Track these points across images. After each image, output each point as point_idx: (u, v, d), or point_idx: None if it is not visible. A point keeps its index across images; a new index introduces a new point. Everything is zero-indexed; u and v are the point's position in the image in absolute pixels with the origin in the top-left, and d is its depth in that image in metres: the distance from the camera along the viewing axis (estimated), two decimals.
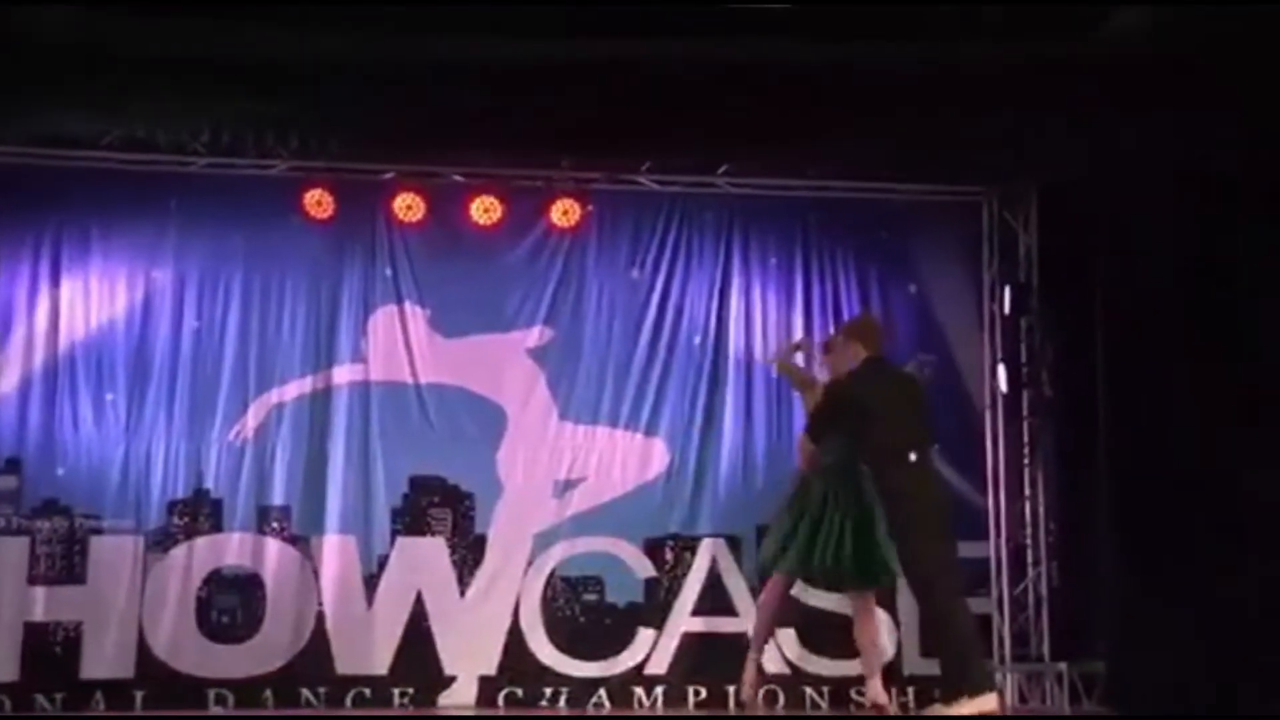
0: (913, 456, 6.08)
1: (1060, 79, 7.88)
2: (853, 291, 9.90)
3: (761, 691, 9.21)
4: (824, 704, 9.23)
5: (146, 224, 9.19)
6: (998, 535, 9.57)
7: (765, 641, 7.47)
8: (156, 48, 8.16)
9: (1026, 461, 9.65)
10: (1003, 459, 9.63)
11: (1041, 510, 9.58)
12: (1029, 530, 9.58)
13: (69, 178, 9.06)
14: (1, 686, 8.55)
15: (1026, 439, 9.68)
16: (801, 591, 9.30)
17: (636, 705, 9.15)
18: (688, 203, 9.83)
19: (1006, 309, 9.64)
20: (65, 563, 8.90)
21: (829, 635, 9.20)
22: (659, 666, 9.29)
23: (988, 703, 5.89)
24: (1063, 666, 8.96)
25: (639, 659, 9.30)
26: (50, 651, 8.75)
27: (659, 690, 9.25)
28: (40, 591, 8.80)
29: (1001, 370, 9.58)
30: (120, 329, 9.14)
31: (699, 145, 9.19)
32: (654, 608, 9.39)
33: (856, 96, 8.60)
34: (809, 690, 9.32)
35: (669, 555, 9.50)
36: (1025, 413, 9.70)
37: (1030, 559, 9.57)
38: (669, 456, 9.55)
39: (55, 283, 9.12)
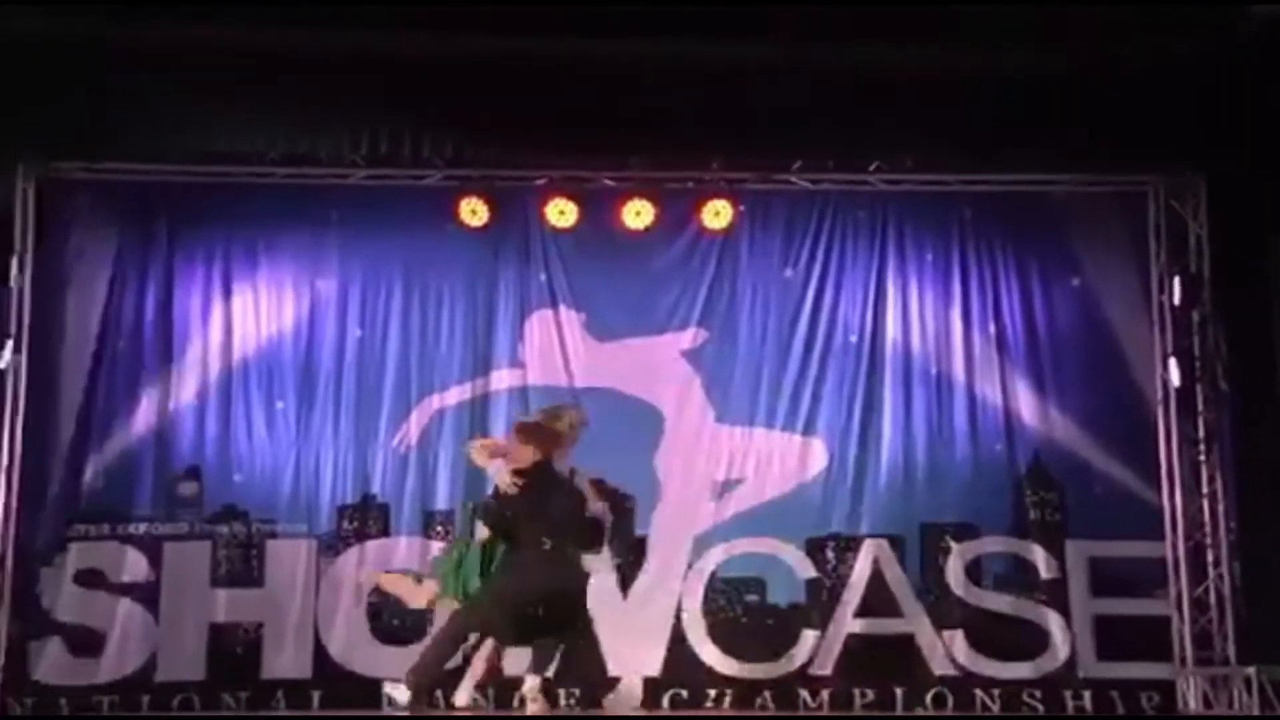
0: (546, 545, 6.40)
1: (1222, 68, 7.45)
2: (1013, 286, 9.43)
3: (931, 694, 8.76)
4: (995, 706, 8.75)
5: (309, 235, 9.22)
6: (1174, 534, 8.94)
7: None
8: (316, 62, 8.17)
9: (1203, 458, 9.00)
10: (1176, 455, 9.01)
11: (1221, 508, 8.92)
12: (1208, 529, 8.94)
13: (236, 194, 9.11)
14: (191, 685, 8.61)
15: (1202, 434, 9.04)
16: (966, 592, 8.91)
17: (801, 707, 8.83)
18: (840, 200, 9.48)
19: (1176, 301, 9.03)
20: (244, 566, 8.93)
21: (998, 637, 8.84)
22: (823, 668, 8.94)
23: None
24: (1251, 670, 8.31)
25: (803, 660, 8.96)
26: (233, 652, 8.80)
27: (824, 692, 8.89)
28: (222, 594, 8.87)
29: (1173, 364, 8.97)
30: (288, 339, 9.18)
31: (853, 143, 8.86)
32: (816, 608, 9.06)
33: (1017, 93, 8.29)
34: (979, 693, 8.78)
35: (830, 555, 9.14)
36: (1200, 408, 9.05)
37: (1210, 559, 8.93)
38: (828, 456, 9.21)
39: (227, 295, 9.19)
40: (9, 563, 8.64)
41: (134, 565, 8.79)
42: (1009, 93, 8.46)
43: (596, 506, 6.63)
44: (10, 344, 8.72)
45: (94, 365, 8.95)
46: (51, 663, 8.57)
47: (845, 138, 8.77)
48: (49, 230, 8.99)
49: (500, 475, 6.43)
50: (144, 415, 8.96)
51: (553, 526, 6.42)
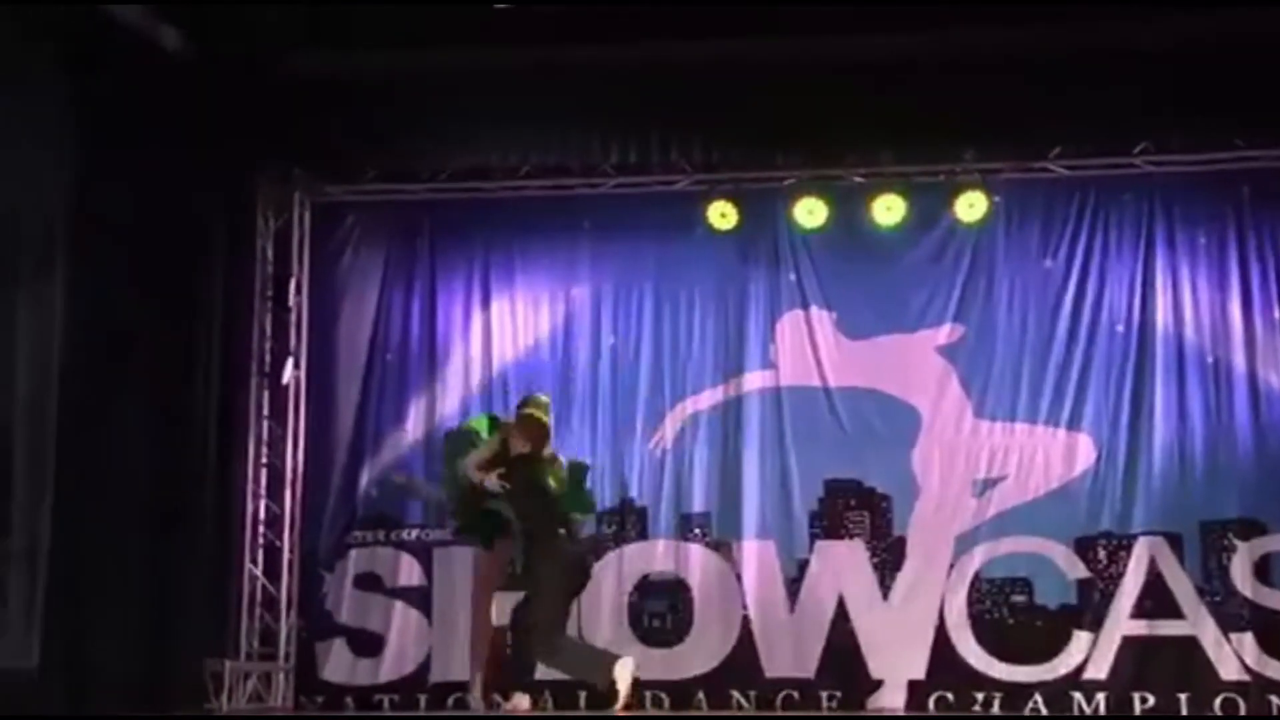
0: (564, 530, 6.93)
1: None
2: None
3: (1219, 699, 8.06)
4: None
5: (563, 245, 9.20)
6: None
7: None
8: (565, 75, 8.18)
9: None
10: None
11: None
12: None
13: (492, 207, 9.21)
14: (463, 685, 8.50)
15: None
16: (1255, 592, 8.18)
17: (1076, 711, 8.30)
18: (1103, 186, 8.86)
19: None
20: (511, 569, 8.86)
21: None
22: (1098, 671, 8.37)
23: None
24: None
25: (1075, 663, 8.42)
26: (502, 653, 8.71)
27: (1099, 696, 8.32)
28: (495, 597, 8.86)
29: None
30: (545, 346, 9.19)
31: (1114, 125, 8.29)
32: (1089, 609, 8.48)
33: None
34: (1275, 699, 8.07)
35: (1102, 554, 8.55)
36: None
37: None
38: (1095, 451, 8.61)
39: (486, 306, 9.28)
40: (295, 568, 8.93)
41: (408, 570, 8.95)
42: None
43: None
44: (291, 361, 9.04)
45: (366, 379, 9.19)
46: (337, 663, 8.82)
47: (1106, 119, 8.24)
48: (322, 252, 9.28)
49: (491, 480, 6.87)
50: (413, 425, 9.13)
51: (555, 512, 6.89)
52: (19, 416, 6.88)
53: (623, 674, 6.58)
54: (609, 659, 6.79)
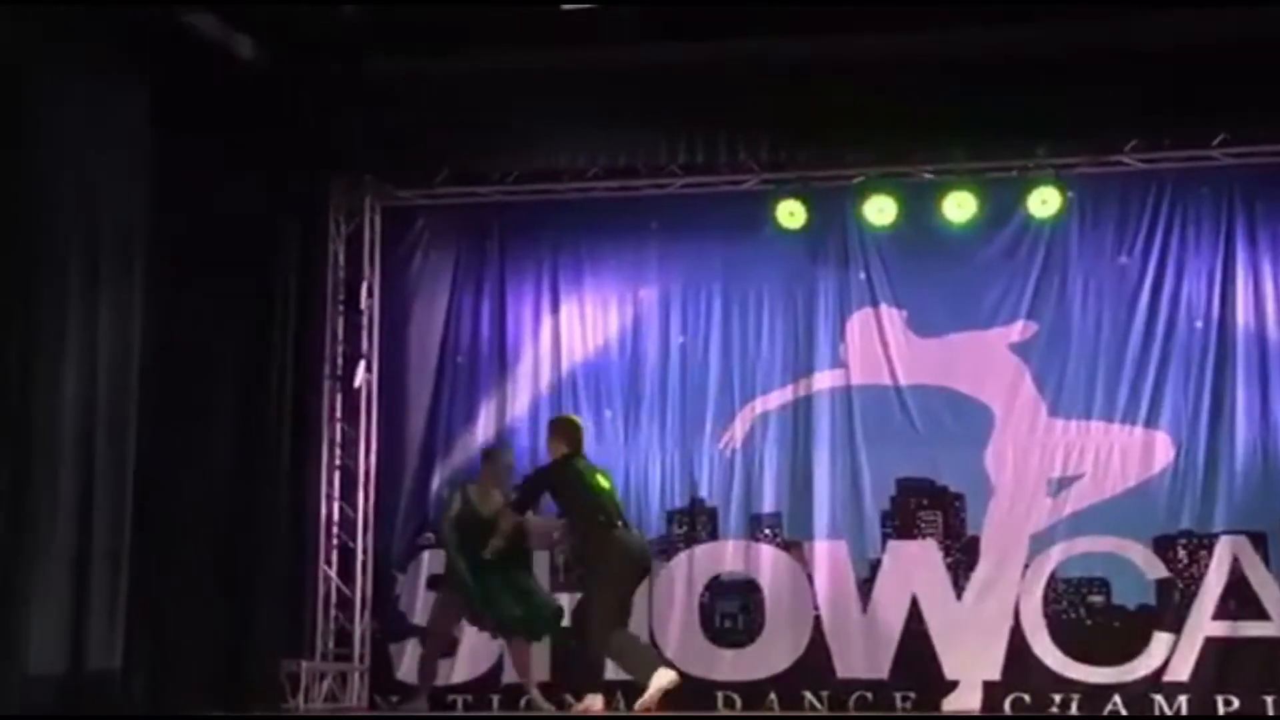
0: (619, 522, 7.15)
1: None
2: None
3: None
4: None
5: (630, 246, 9.21)
6: None
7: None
8: (632, 76, 8.18)
9: None
10: None
11: None
12: None
13: (561, 209, 9.24)
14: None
15: None
16: None
17: (1157, 712, 8.16)
18: (1180, 179, 8.70)
19: None
20: (582, 570, 8.89)
21: None
22: (1180, 673, 8.22)
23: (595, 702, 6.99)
24: None
25: (1156, 665, 8.27)
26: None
27: (1181, 699, 8.17)
28: (563, 598, 8.69)
29: None
30: (614, 348, 9.20)
31: (1192, 116, 8.15)
32: (1169, 610, 8.33)
33: None
34: None
35: (1182, 554, 8.40)
36: None
37: None
38: (1174, 449, 8.46)
39: (555, 309, 9.30)
40: (369, 569, 9.00)
41: None
42: None
43: None
44: (363, 364, 9.11)
45: (437, 381, 9.25)
46: (411, 663, 8.85)
47: (1183, 111, 8.04)
48: (393, 255, 9.34)
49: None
50: (483, 427, 9.18)
51: (607, 507, 7.11)
52: (100, 420, 6.99)
53: (657, 681, 6.66)
54: (656, 663, 6.89)
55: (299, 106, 8.16)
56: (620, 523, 7.10)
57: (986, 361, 8.70)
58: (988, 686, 8.34)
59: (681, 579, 8.80)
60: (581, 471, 7.17)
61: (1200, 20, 7.56)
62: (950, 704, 8.36)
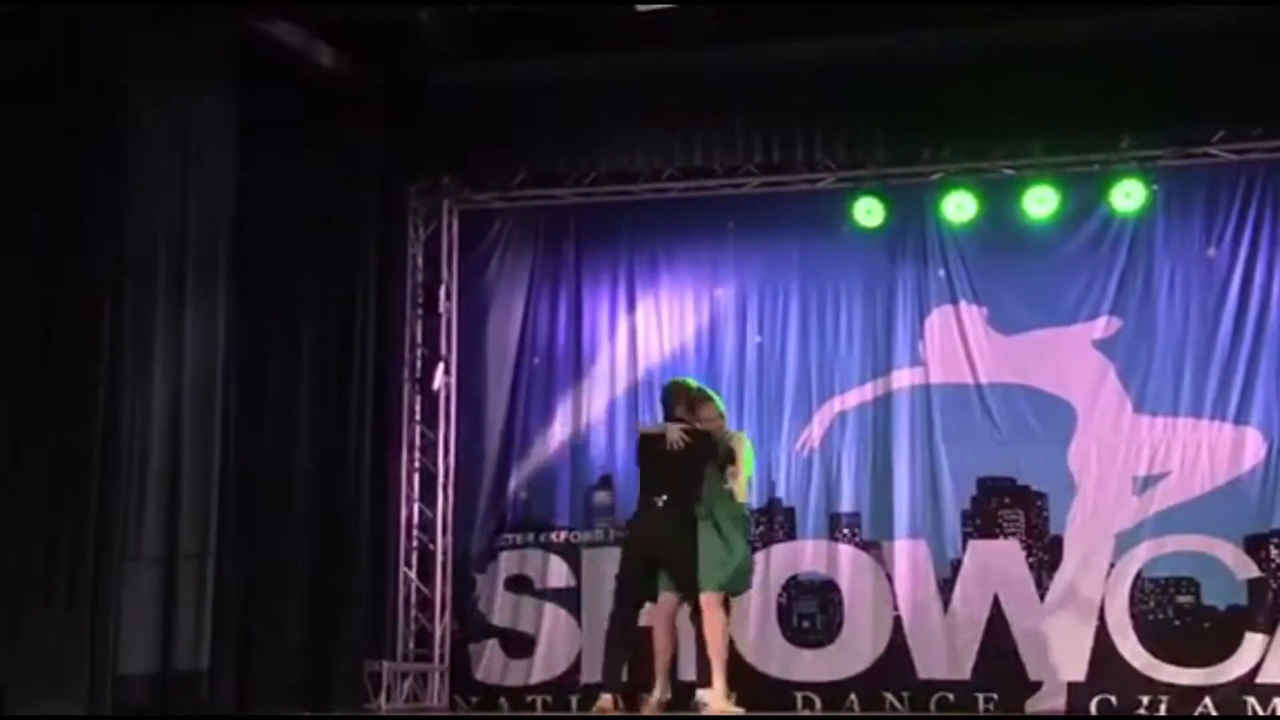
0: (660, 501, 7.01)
1: None
2: None
3: None
4: None
5: (707, 246, 9.20)
6: None
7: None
8: (705, 76, 8.20)
9: None
10: None
11: None
12: None
13: (637, 210, 9.26)
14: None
15: None
16: None
17: (1250, 713, 8.00)
18: (1270, 170, 8.53)
19: None
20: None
21: None
22: (1274, 675, 8.05)
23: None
24: None
25: (1248, 667, 8.11)
26: (651, 655, 8.72)
27: (1277, 701, 7.99)
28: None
29: None
30: (690, 348, 9.19)
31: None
32: (1261, 611, 8.17)
33: None
34: None
35: (1275, 554, 8.23)
36: None
37: None
38: (1265, 446, 8.29)
39: (631, 309, 9.33)
40: (449, 570, 9.09)
41: (556, 572, 9.06)
42: None
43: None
44: (442, 366, 9.19)
45: (514, 383, 9.32)
46: (489, 663, 8.97)
47: (1272, 99, 7.87)
48: (470, 258, 9.42)
49: (671, 430, 6.97)
50: (559, 428, 9.23)
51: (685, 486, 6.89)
52: (186, 424, 7.13)
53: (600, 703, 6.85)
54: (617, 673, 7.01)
55: (377, 113, 8.26)
56: (660, 498, 6.95)
57: (1069, 358, 8.58)
58: (1072, 688, 8.23)
59: (759, 578, 8.68)
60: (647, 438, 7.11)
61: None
62: (1034, 705, 8.26)
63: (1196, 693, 8.10)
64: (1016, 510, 8.54)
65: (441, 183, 9.31)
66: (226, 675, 7.20)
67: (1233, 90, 7.84)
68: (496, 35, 7.90)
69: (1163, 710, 8.09)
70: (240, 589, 7.36)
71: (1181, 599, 8.30)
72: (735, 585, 7.02)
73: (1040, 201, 8.59)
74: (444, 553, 9.11)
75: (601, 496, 9.08)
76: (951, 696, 8.39)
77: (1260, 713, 7.97)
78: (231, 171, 7.41)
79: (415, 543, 9.07)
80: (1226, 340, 8.41)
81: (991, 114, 8.13)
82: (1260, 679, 8.04)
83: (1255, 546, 8.22)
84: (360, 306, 8.31)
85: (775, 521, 8.86)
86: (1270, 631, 8.08)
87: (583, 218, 9.34)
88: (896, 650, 8.52)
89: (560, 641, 8.86)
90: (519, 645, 8.96)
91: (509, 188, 9.30)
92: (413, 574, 9.02)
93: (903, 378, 8.78)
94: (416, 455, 9.16)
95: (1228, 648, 8.13)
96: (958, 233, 8.79)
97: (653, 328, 9.20)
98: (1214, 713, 8.03)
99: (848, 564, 8.73)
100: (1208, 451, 8.34)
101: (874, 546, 8.70)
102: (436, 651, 8.97)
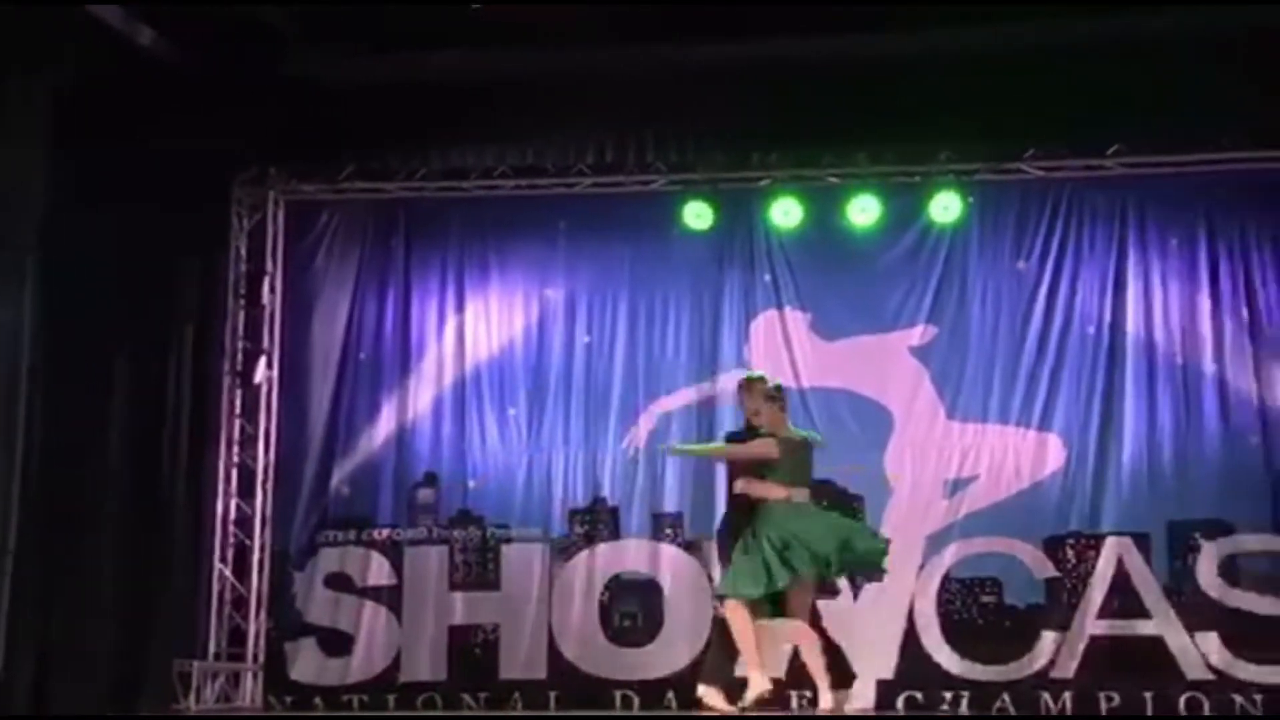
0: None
1: None
2: (1267, 269, 8.69)
3: (1184, 698, 8.08)
4: (1257, 711, 8.03)
5: (538, 245, 9.20)
6: None
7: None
8: (541, 76, 8.17)
9: None
10: None
11: None
12: None
13: (468, 207, 9.19)
14: (432, 685, 8.71)
15: None
16: (1221, 592, 8.22)
17: (1043, 710, 8.31)
18: (1076, 188, 8.88)
19: None
20: (480, 569, 8.97)
21: (1258, 640, 8.20)
22: (1066, 670, 8.38)
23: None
24: None
25: (1043, 663, 8.43)
26: (472, 653, 8.82)
27: (1066, 695, 8.32)
28: (460, 596, 8.92)
29: None
30: (519, 347, 9.18)
31: (1089, 127, 8.34)
32: (1057, 609, 8.50)
33: (1267, 59, 7.57)
34: (1238, 698, 8.09)
35: (1071, 554, 8.58)
36: None
37: None
38: (1066, 452, 8.64)
39: (460, 306, 9.26)
40: (266, 567, 8.90)
41: (378, 569, 8.94)
42: (1260, 61, 7.74)
43: None
44: (264, 360, 8.99)
45: (339, 377, 9.16)
46: (306, 662, 8.80)
47: (1079, 121, 8.24)
48: (297, 250, 9.23)
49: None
50: (384, 425, 9.11)
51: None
52: None
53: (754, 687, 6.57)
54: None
55: (202, 98, 8.02)
56: None
57: (887, 364, 8.82)
58: (881, 685, 8.43)
59: (582, 578, 8.80)
60: None
61: (1096, 32, 7.75)
62: (845, 702, 8.43)
63: (995, 689, 8.37)
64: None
65: (267, 173, 9.10)
66: (23, 677, 6.91)
67: (1043, 110, 8.14)
68: (328, 25, 7.76)
69: (964, 706, 8.34)
70: (41, 588, 7.07)
71: (985, 598, 8.58)
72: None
73: (863, 210, 8.80)
74: (261, 549, 8.90)
75: (425, 494, 8.99)
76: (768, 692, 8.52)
77: (1052, 707, 8.26)
78: (40, 157, 7.10)
79: (232, 539, 8.85)
80: (1033, 350, 8.74)
81: (819, 123, 8.28)
82: (1054, 674, 8.36)
83: (1053, 547, 8.55)
84: (179, 297, 8.07)
85: (599, 521, 8.90)
86: (1064, 629, 8.42)
87: (413, 213, 9.23)
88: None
89: (379, 640, 8.76)
90: (337, 644, 8.81)
91: (337, 180, 9.13)
92: (228, 571, 8.80)
93: (728, 380, 8.84)
94: (235, 450, 8.93)
95: (1025, 645, 8.43)
96: (784, 239, 8.95)
97: (481, 325, 9.15)
98: (1011, 708, 8.31)
99: (670, 563, 8.81)
100: (1013, 456, 8.66)
101: (696, 546, 8.77)
102: (251, 650, 8.77)
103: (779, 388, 6.94)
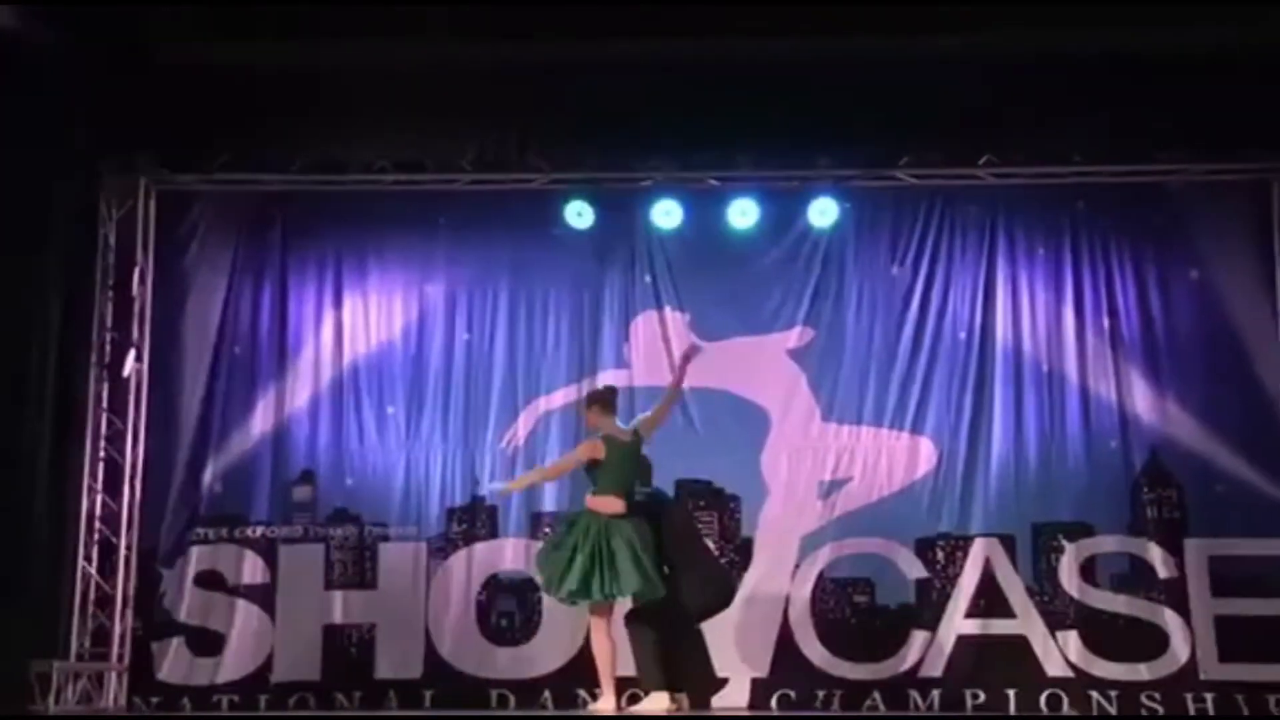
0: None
1: None
2: (1128, 280, 8.95)
3: (1045, 695, 8.33)
4: (1112, 708, 8.26)
5: (418, 242, 9.10)
6: None
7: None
8: (423, 70, 8.13)
9: None
10: None
11: None
12: None
13: (347, 202, 9.03)
14: (307, 685, 8.56)
15: None
16: (1081, 592, 8.48)
17: (912, 708, 8.48)
18: (949, 195, 9.07)
19: None
20: (357, 568, 8.85)
21: (1115, 638, 8.45)
22: (934, 669, 8.56)
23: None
24: None
25: (912, 661, 8.59)
26: (347, 652, 8.70)
27: (935, 693, 8.50)
28: (337, 595, 8.79)
29: None
30: (398, 344, 9.07)
31: (961, 137, 8.57)
32: (926, 609, 8.68)
33: (1130, 80, 7.91)
34: (1095, 695, 8.33)
35: (940, 555, 8.75)
36: None
37: None
38: (936, 455, 8.82)
39: (338, 303, 9.12)
40: (133, 565, 8.67)
41: (251, 568, 8.76)
42: (1122, 80, 8.06)
43: None
44: (133, 353, 8.76)
45: (212, 372, 8.95)
46: (174, 662, 8.58)
47: (951, 130, 8.47)
48: (168, 241, 9.01)
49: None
50: (260, 421, 8.92)
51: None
52: None
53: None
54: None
55: (70, 84, 7.79)
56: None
57: (765, 366, 8.90)
58: (755, 684, 8.52)
59: (459, 577, 8.74)
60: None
61: (967, 43, 7.98)
62: (719, 701, 8.46)
63: (867, 687, 8.51)
64: (711, 512, 8.79)
65: (138, 161, 8.85)
66: None
67: (916, 118, 8.34)
68: (204, 13, 7.60)
69: (836, 705, 8.45)
70: None
71: (858, 598, 8.72)
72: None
73: (743, 213, 8.89)
74: (128, 547, 8.65)
75: (302, 492, 8.84)
76: (641, 693, 8.52)
77: (920, 705, 8.43)
78: None
79: (96, 536, 8.59)
80: (906, 354, 8.91)
81: (700, 126, 8.38)
82: (921, 673, 8.53)
83: (924, 549, 8.72)
84: (45, 287, 7.82)
85: (477, 519, 8.83)
86: (933, 628, 8.59)
87: (290, 206, 9.05)
88: (590, 648, 8.60)
89: (251, 639, 8.58)
90: (207, 643, 8.61)
91: (211, 170, 8.90)
92: (92, 569, 8.54)
93: (608, 379, 8.84)
94: (102, 444, 8.68)
95: (896, 644, 8.58)
96: (665, 239, 8.99)
97: (360, 321, 9.02)
98: (882, 706, 8.46)
99: None
100: (886, 458, 8.81)
101: None
102: (115, 650, 8.51)
103: (606, 390, 7.26)
